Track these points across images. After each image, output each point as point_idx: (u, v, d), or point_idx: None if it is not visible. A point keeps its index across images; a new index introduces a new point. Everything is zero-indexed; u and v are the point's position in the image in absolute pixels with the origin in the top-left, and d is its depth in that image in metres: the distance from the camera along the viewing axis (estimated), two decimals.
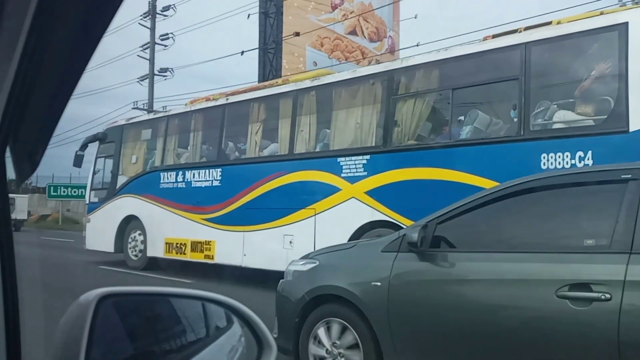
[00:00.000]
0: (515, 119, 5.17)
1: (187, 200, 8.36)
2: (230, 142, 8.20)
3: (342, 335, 2.92)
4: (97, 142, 10.63)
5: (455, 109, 5.65)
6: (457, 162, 5.34)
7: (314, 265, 3.21)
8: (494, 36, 5.52)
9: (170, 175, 8.80)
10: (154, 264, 8.99)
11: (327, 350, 2.97)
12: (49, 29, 0.58)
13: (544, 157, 4.80)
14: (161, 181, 8.96)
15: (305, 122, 6.99)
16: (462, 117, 5.60)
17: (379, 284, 2.78)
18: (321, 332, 3.00)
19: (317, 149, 6.89)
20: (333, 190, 6.37)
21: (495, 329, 2.43)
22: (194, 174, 8.40)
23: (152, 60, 21.78)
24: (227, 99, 8.15)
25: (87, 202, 10.63)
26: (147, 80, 21.97)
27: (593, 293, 2.14)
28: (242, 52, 17.91)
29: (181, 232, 8.33)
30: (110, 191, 10.00)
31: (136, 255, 9.31)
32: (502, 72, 5.33)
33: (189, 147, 8.79)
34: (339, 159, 6.42)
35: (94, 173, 10.60)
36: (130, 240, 9.40)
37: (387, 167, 5.91)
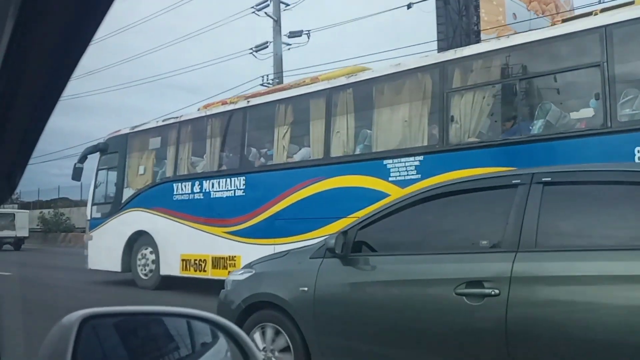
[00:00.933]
0: (594, 110, 4.65)
1: (206, 212, 7.65)
2: (253, 147, 7.53)
3: (276, 338, 3.10)
4: (97, 154, 9.87)
5: (523, 101, 5.11)
6: (531, 159, 4.77)
7: (250, 274, 3.37)
8: (564, 20, 5.01)
9: (185, 186, 8.08)
10: (167, 283, 8.22)
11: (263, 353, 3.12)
12: (34, 28, 0.52)
13: (639, 151, 4.27)
14: (174, 193, 8.22)
15: (342, 123, 6.38)
16: (531, 110, 5.05)
17: (306, 288, 2.95)
18: (257, 336, 3.15)
19: (357, 152, 6.28)
20: (380, 196, 5.73)
21: (406, 327, 2.62)
22: (212, 184, 7.69)
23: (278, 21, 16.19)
24: (249, 102, 7.50)
25: (89, 218, 9.81)
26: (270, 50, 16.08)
27: (485, 289, 2.32)
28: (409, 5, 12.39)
29: (200, 248, 7.59)
30: (115, 205, 9.21)
31: (146, 274, 8.52)
32: (580, 58, 4.80)
33: (205, 155, 8.09)
34: (385, 162, 5.81)
35: (96, 187, 9.81)
36: (139, 257, 8.61)
37: (445, 168, 5.32)
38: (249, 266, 3.55)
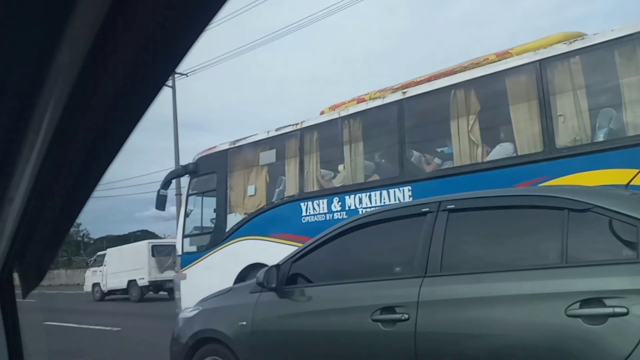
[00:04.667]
0: None
1: None
2: (416, 150, 5.91)
3: None
4: (185, 177, 8.38)
5: None
6: None
7: (197, 311, 3.57)
8: None
9: (318, 205, 6.44)
10: None
11: None
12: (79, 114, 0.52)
13: None
14: (302, 214, 6.59)
15: (568, 103, 4.74)
16: None
17: (244, 322, 3.12)
18: None
19: (601, 138, 4.59)
20: None
21: (333, 354, 2.75)
22: (359, 199, 6.05)
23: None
24: (405, 93, 5.93)
25: (179, 253, 8.19)
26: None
27: (396, 314, 2.47)
28: None
29: None
30: (216, 236, 7.60)
31: None
32: None
33: (343, 166, 6.49)
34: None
35: (186, 215, 8.24)
36: None
37: None
38: (198, 304, 3.69)
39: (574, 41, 4.80)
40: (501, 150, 5.14)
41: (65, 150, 0.56)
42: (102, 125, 0.54)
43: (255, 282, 3.19)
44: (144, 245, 17.46)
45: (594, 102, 4.67)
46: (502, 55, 5.40)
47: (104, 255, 19.13)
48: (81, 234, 40.52)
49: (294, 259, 3.12)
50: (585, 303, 2.02)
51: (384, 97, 6.18)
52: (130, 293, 17.12)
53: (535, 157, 4.79)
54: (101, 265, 18.71)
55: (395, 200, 5.71)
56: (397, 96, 5.98)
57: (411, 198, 5.58)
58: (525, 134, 4.95)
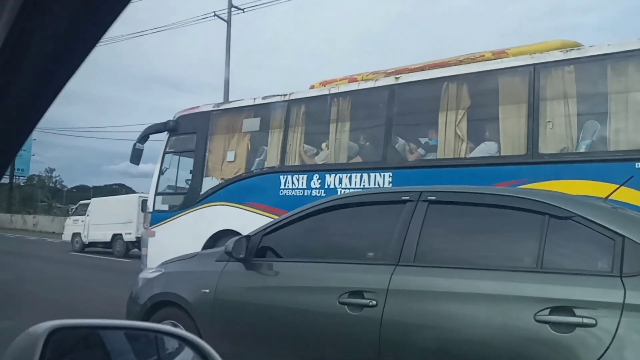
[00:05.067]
0: None
1: None
2: (402, 137, 5.93)
3: None
4: (164, 134, 8.19)
5: None
6: None
7: (159, 273, 3.50)
8: None
9: (298, 180, 6.42)
10: None
11: None
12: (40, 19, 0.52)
13: None
14: (281, 187, 6.57)
15: (556, 109, 4.82)
16: None
17: (207, 290, 3.06)
18: None
19: (583, 149, 4.70)
20: None
21: (291, 332, 2.73)
22: (340, 179, 6.05)
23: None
24: (398, 78, 5.91)
25: (150, 210, 8.07)
26: None
27: (364, 300, 2.45)
28: None
29: None
30: (190, 197, 7.51)
31: None
32: None
33: (327, 144, 6.45)
34: (639, 164, 4.25)
35: (161, 173, 8.09)
36: None
37: None
38: (161, 265, 3.64)
39: (570, 50, 4.84)
40: (485, 149, 5.21)
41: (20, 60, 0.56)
42: (35, 75, 0.56)
43: (224, 250, 3.13)
44: (134, 199, 16.46)
45: (581, 112, 4.76)
46: (498, 54, 5.42)
47: (87, 204, 18.17)
48: (54, 180, 39.40)
49: (266, 231, 3.07)
50: (555, 310, 2.03)
51: (376, 80, 6.14)
52: (114, 247, 16.35)
53: (518, 160, 4.88)
54: (83, 215, 17.70)
55: (375, 185, 5.75)
56: (390, 81, 5.95)
57: (391, 185, 5.62)
58: (510, 136, 5.03)
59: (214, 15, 19.10)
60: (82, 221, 17.51)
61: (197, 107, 8.03)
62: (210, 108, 7.74)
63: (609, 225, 2.13)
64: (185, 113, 8.06)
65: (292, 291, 2.77)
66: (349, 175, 5.99)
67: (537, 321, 2.03)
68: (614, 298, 1.95)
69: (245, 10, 19.50)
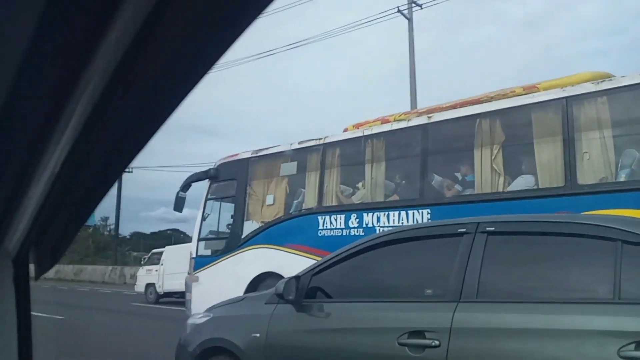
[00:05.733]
0: None
1: None
2: (438, 174, 6.02)
3: None
4: (206, 181, 8.53)
5: None
6: None
7: (208, 318, 3.40)
8: None
9: (336, 220, 6.55)
10: None
11: None
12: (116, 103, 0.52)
13: None
14: (319, 227, 6.70)
15: (591, 142, 4.84)
16: None
17: (258, 334, 2.94)
18: None
19: (623, 178, 4.68)
20: None
21: None
22: (377, 218, 6.15)
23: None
24: (431, 117, 6.07)
25: (194, 255, 8.32)
26: None
27: (426, 340, 2.32)
28: None
29: None
30: (232, 242, 7.73)
31: None
32: None
33: (363, 183, 6.61)
34: None
35: (203, 219, 8.38)
36: None
37: None
38: (209, 310, 3.58)
39: (602, 81, 4.91)
40: (522, 182, 5.24)
41: (89, 149, 0.58)
42: (125, 128, 0.56)
43: (273, 292, 3.03)
44: None
45: (617, 142, 4.77)
46: (529, 89, 5.53)
47: (161, 252, 17.39)
48: (108, 228, 39.26)
49: (315, 271, 2.96)
50: None
51: (408, 120, 6.32)
52: None
53: (556, 192, 4.88)
54: (157, 264, 16.85)
55: (413, 222, 5.82)
56: (422, 120, 6.11)
57: (430, 220, 5.68)
58: (547, 168, 5.05)
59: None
60: (156, 270, 16.57)
61: (237, 154, 8.39)
62: (249, 155, 8.07)
63: None
64: (225, 161, 8.42)
65: (347, 333, 2.65)
66: (386, 213, 6.08)
67: (623, 357, 1.90)
68: None
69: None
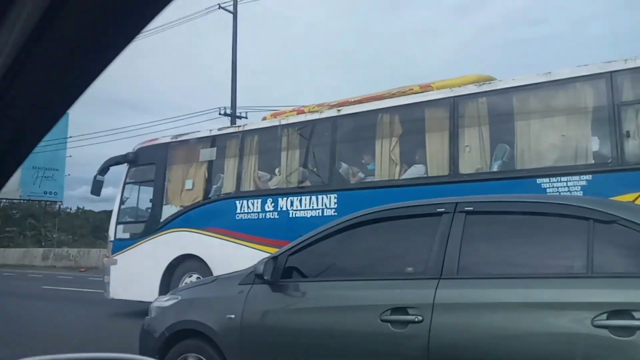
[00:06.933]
0: None
1: (281, 233, 6.53)
2: (345, 162, 6.59)
3: None
4: (124, 165, 8.57)
5: None
6: None
7: (176, 300, 3.25)
8: None
9: (253, 204, 6.95)
10: None
11: None
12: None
13: None
14: (237, 211, 7.07)
15: (472, 136, 5.60)
16: None
17: (232, 316, 2.86)
18: None
19: (495, 169, 5.48)
20: None
21: (332, 353, 2.58)
22: (291, 202, 6.63)
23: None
24: (340, 110, 6.61)
25: (112, 239, 8.38)
26: None
27: (409, 316, 2.35)
28: None
29: None
30: (151, 225, 7.90)
31: None
32: None
33: (280, 170, 7.04)
34: (539, 180, 5.04)
35: (122, 203, 8.44)
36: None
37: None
38: (175, 292, 3.46)
39: (483, 84, 5.67)
40: (415, 171, 5.94)
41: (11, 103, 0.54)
42: (39, 97, 0.54)
43: (247, 273, 2.98)
44: None
45: (493, 137, 5.56)
46: (425, 88, 6.21)
47: None
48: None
49: (292, 251, 2.89)
50: (613, 314, 2.01)
51: (321, 112, 6.82)
52: None
53: (442, 180, 5.61)
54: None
55: (322, 206, 6.36)
56: (333, 112, 6.64)
57: (337, 205, 6.25)
58: (436, 159, 5.77)
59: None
60: None
61: (156, 139, 8.50)
62: (168, 140, 8.22)
63: None
64: (145, 145, 8.51)
65: (327, 312, 2.63)
66: (300, 198, 6.58)
67: (596, 326, 2.01)
68: None
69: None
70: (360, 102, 6.67)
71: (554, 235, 2.43)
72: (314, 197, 6.44)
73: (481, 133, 5.56)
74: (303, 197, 6.54)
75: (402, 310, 2.39)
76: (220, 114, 16.63)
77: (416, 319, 2.32)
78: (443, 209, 2.59)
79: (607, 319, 2.01)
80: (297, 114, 7.20)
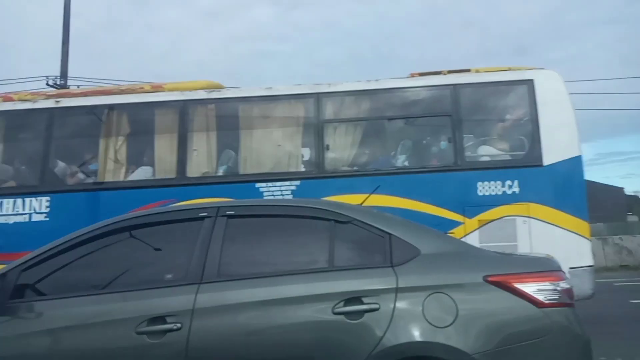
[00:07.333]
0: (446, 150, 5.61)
1: None
2: (62, 160, 5.87)
3: None
4: None
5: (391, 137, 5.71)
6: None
7: None
8: (421, 74, 5.92)
9: None
10: None
11: None
12: None
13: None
14: None
15: (201, 140, 5.71)
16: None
17: None
18: None
19: (220, 173, 5.69)
20: None
21: None
22: None
23: None
24: (58, 102, 5.88)
25: None
26: None
27: (167, 325, 2.33)
28: None
29: None
30: None
31: None
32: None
33: None
34: (258, 184, 5.46)
35: None
36: None
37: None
38: None
39: (213, 91, 5.86)
40: (142, 173, 5.72)
41: None
42: None
43: None
44: None
45: (220, 143, 5.79)
46: (157, 88, 6.06)
47: None
48: None
49: (25, 266, 2.55)
50: (348, 302, 2.34)
51: (34, 101, 5.95)
52: None
53: (169, 182, 5.55)
54: None
55: (31, 210, 5.54)
56: (49, 103, 5.87)
57: (49, 209, 5.53)
58: (164, 161, 5.68)
59: None
60: None
61: None
62: None
63: (379, 225, 2.60)
64: None
65: (73, 330, 2.39)
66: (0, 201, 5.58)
67: (335, 313, 2.32)
68: (389, 284, 2.38)
69: None
70: (84, 95, 6.08)
71: (304, 235, 2.68)
72: (19, 200, 5.55)
73: (209, 138, 5.73)
74: (4, 200, 5.57)
75: (160, 319, 2.34)
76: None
77: (174, 327, 2.31)
78: (205, 214, 2.63)
79: (344, 306, 2.33)
80: (4, 101, 6.12)
